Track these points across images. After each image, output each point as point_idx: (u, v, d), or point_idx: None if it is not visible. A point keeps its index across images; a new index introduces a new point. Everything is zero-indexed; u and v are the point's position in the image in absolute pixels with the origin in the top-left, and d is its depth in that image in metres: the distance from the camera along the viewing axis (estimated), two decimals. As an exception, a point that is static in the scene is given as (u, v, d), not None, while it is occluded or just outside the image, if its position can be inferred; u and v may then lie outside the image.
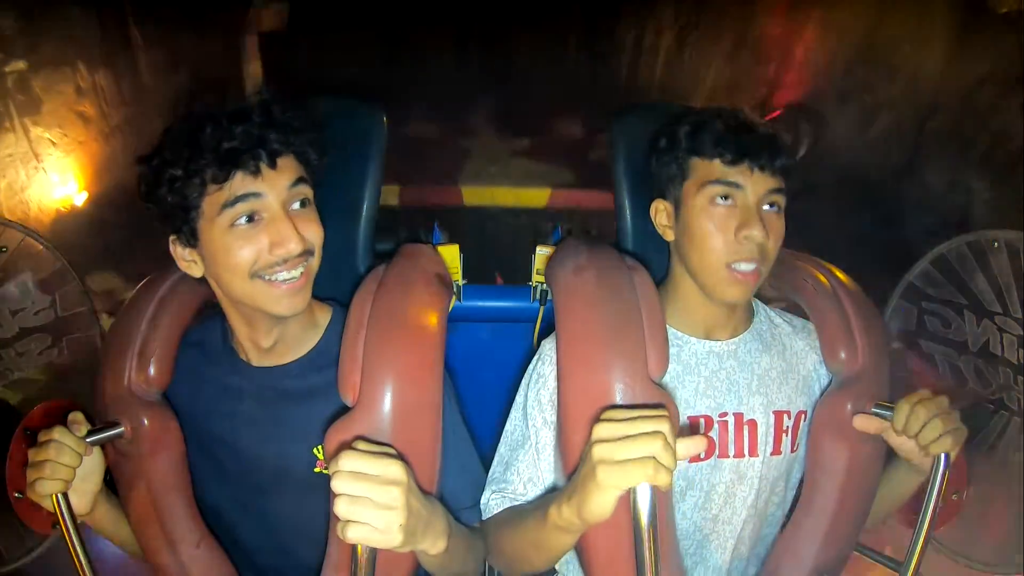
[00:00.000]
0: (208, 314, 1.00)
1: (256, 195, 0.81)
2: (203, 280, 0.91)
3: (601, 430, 0.68)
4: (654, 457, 0.64)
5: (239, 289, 0.84)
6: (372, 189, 1.11)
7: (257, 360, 0.95)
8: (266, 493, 0.95)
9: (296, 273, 0.83)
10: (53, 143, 1.94)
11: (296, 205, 0.85)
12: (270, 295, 0.83)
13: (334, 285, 1.03)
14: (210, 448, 0.96)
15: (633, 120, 1.12)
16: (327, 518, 0.84)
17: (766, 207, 0.92)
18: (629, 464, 0.65)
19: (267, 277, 0.83)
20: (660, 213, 0.99)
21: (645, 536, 0.67)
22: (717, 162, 0.92)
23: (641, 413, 0.68)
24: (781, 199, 0.93)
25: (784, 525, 1.01)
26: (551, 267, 1.00)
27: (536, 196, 2.89)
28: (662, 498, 0.83)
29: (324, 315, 0.99)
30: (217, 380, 0.96)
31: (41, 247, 1.15)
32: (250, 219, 0.82)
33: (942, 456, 0.85)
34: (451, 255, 1.29)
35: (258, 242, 0.82)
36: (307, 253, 0.84)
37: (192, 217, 0.83)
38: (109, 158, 2.06)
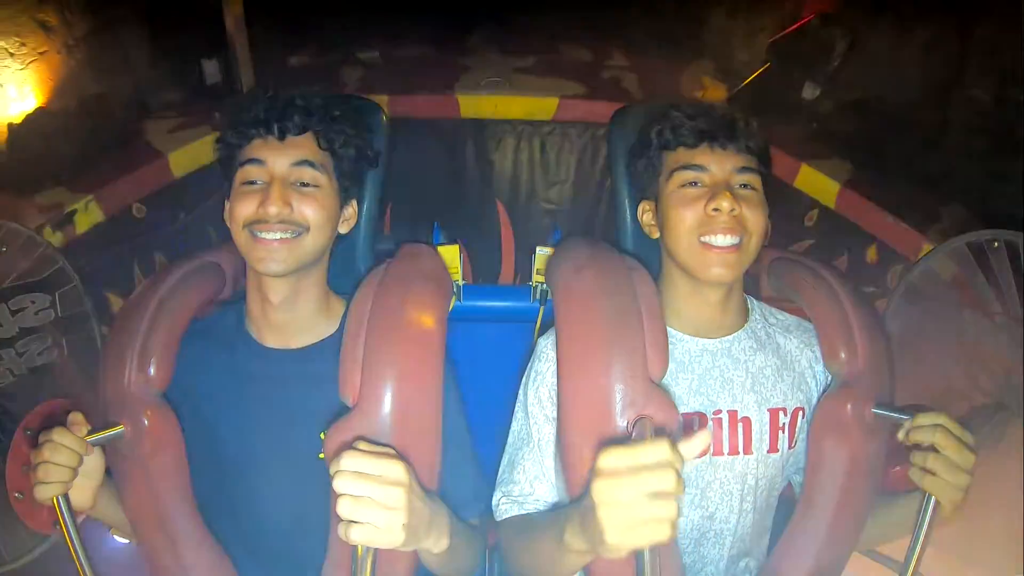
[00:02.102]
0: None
1: (259, 161, 0.91)
2: (207, 278, 0.98)
3: (605, 491, 0.62)
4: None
5: (236, 238, 0.92)
6: (372, 188, 1.11)
7: (272, 342, 0.97)
8: (269, 478, 0.96)
9: (275, 235, 0.89)
10: (10, 53, 1.82)
11: (299, 184, 0.92)
12: (254, 250, 0.90)
13: (334, 285, 1.04)
14: (216, 432, 0.97)
15: (633, 120, 1.13)
16: (327, 507, 0.84)
17: (738, 186, 0.93)
18: (640, 525, 0.61)
19: (255, 233, 0.89)
20: (646, 213, 1.03)
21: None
22: (681, 149, 0.96)
23: (645, 460, 0.61)
24: (752, 178, 0.95)
25: (784, 525, 1.01)
26: (551, 267, 1.01)
27: (542, 106, 2.65)
28: None
29: (340, 305, 1.01)
30: (228, 363, 0.97)
31: (41, 247, 1.15)
32: (255, 183, 0.91)
33: (931, 498, 0.84)
34: (451, 255, 1.30)
35: (254, 202, 0.90)
36: (293, 225, 0.90)
37: (230, 169, 0.95)
38: (72, 71, 1.93)
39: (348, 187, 0.99)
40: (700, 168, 0.94)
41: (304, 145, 0.93)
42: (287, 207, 0.89)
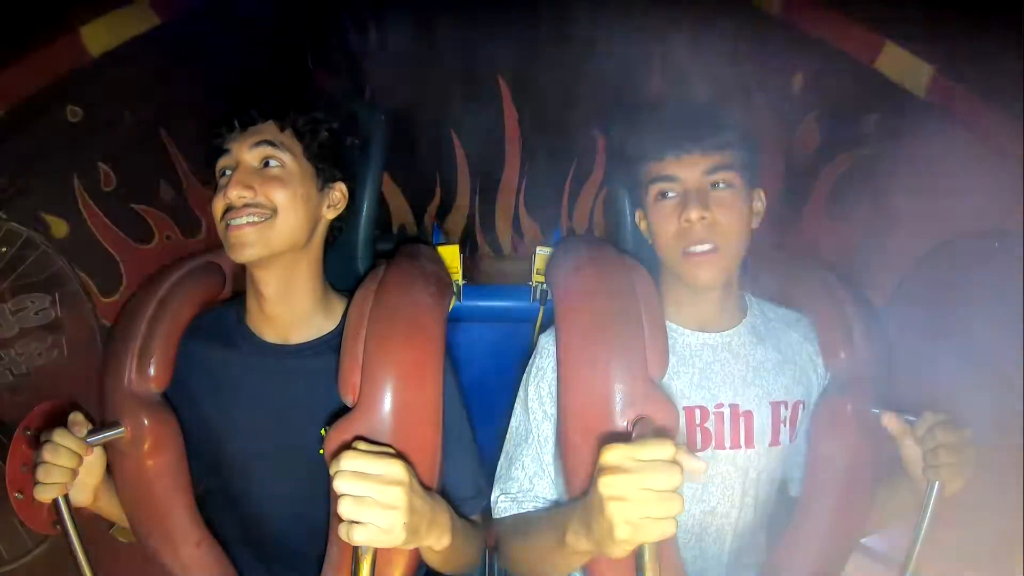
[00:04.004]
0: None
1: (226, 151, 0.93)
2: (206, 278, 0.99)
3: (613, 486, 0.63)
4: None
5: (219, 234, 0.92)
6: (372, 189, 1.11)
7: (271, 337, 0.97)
8: (269, 472, 0.96)
9: (241, 220, 0.89)
10: None
11: (262, 165, 0.92)
12: (228, 239, 0.90)
13: (334, 285, 1.03)
14: (216, 426, 0.97)
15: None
16: (327, 502, 0.84)
17: (712, 187, 0.93)
18: (649, 522, 0.62)
19: (228, 223, 0.90)
20: (641, 221, 1.02)
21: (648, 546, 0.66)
22: (652, 161, 0.96)
23: (651, 456, 0.63)
24: (727, 175, 0.93)
25: (784, 524, 1.01)
26: (551, 267, 1.01)
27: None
28: None
29: (340, 303, 1.01)
30: (230, 359, 0.97)
31: (41, 247, 1.15)
32: (224, 174, 0.93)
33: (936, 483, 0.86)
34: (451, 255, 1.30)
35: (222, 194, 0.91)
36: (259, 208, 0.89)
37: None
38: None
39: (324, 169, 0.97)
40: (669, 179, 0.94)
41: (263, 129, 0.94)
42: (249, 190, 0.89)
